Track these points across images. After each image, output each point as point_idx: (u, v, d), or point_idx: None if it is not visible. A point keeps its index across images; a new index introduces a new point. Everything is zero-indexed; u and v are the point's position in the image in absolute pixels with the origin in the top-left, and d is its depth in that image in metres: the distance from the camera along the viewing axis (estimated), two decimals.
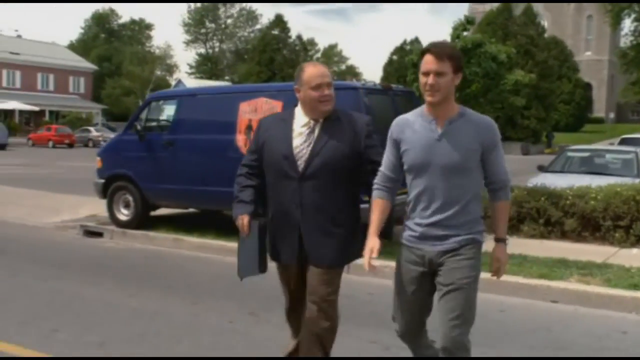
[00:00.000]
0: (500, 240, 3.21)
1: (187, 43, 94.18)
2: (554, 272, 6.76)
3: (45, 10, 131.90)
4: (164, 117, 10.20)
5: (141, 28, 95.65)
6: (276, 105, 7.91)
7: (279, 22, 58.76)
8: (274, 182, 3.51)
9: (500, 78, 8.83)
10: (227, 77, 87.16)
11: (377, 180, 3.31)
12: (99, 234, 9.60)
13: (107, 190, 9.50)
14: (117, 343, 4.82)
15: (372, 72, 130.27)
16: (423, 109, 3.17)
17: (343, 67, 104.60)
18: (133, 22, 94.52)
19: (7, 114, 55.49)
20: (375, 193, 3.31)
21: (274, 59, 56.23)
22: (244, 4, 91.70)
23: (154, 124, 9.74)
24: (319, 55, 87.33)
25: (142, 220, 9.32)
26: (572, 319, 5.73)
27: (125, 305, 5.87)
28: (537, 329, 5.44)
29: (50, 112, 60.34)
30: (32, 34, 66.94)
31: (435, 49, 3.04)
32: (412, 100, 8.73)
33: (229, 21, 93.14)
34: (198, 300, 6.04)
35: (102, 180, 9.57)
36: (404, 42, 63.48)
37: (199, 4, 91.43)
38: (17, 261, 7.79)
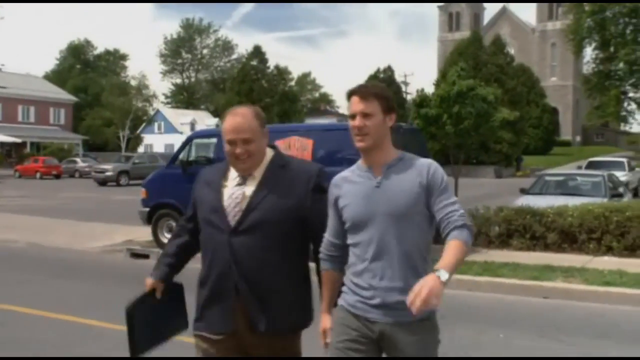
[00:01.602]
0: (435, 271, 2.41)
1: (164, 73, 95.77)
2: (543, 275, 8.38)
3: (17, 41, 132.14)
4: (204, 152, 11.61)
5: (116, 58, 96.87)
6: (307, 143, 9.47)
7: (258, 52, 60.55)
8: (205, 239, 2.95)
9: (490, 116, 10.50)
10: (202, 107, 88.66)
11: (322, 249, 2.88)
12: (145, 256, 10.97)
13: (152, 217, 10.92)
14: None
15: (345, 99, 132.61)
16: (359, 162, 2.82)
17: (317, 94, 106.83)
18: (108, 52, 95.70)
19: None
20: (322, 265, 2.89)
21: (253, 89, 57.83)
22: (219, 34, 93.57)
23: (195, 158, 11.18)
24: (292, 83, 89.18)
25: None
26: (560, 310, 7.30)
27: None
28: (535, 316, 7.01)
29: (32, 144, 61.02)
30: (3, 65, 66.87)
31: (361, 89, 2.74)
32: (418, 138, 10.40)
33: (205, 51, 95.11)
34: None
35: (147, 209, 10.99)
36: (378, 71, 65.70)
37: (174, 35, 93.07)
38: (94, 279, 9.17)
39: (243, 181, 2.91)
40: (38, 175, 44.19)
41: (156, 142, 71.74)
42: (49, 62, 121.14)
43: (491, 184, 33.88)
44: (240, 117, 2.86)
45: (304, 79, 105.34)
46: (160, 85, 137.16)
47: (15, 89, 63.18)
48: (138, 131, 69.68)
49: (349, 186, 2.76)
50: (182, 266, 3.12)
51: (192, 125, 73.29)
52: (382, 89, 2.80)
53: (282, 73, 65.77)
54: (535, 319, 6.88)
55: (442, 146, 11.69)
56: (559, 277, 8.29)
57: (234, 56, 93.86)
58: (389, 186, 2.69)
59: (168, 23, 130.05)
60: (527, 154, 55.12)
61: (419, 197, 2.66)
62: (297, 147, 9.53)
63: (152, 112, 73.15)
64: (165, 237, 10.90)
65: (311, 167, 2.98)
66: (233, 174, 2.95)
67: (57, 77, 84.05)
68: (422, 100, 10.77)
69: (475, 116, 10.28)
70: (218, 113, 73.44)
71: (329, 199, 2.84)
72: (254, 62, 60.37)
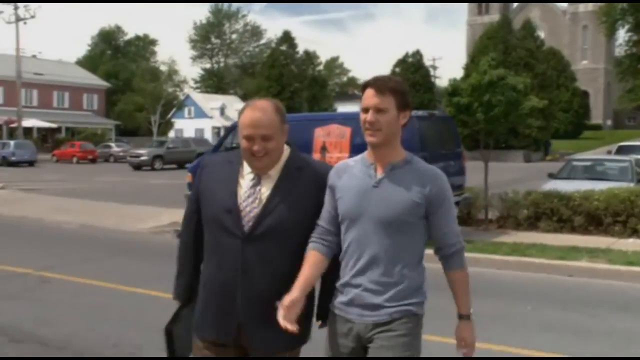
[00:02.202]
0: (463, 317, 2.68)
1: (194, 59, 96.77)
2: (569, 255, 8.90)
3: (48, 27, 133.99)
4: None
5: (145, 44, 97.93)
6: (345, 131, 10.06)
7: (287, 38, 61.04)
8: (212, 241, 2.76)
9: (519, 104, 10.97)
10: (231, 91, 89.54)
11: (314, 234, 2.72)
12: None
13: None
14: None
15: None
16: (366, 152, 2.71)
17: (345, 79, 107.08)
18: (138, 38, 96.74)
19: (26, 131, 57.64)
20: (309, 246, 2.70)
21: (283, 73, 58.40)
22: (248, 19, 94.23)
23: (239, 145, 11.80)
24: (320, 68, 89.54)
25: None
26: (584, 287, 7.83)
27: None
28: (560, 292, 7.56)
29: (67, 129, 62.46)
30: (35, 52, 68.28)
31: (377, 82, 2.60)
32: (450, 125, 10.94)
33: (234, 36, 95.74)
34: None
35: None
36: (406, 55, 65.76)
37: (203, 20, 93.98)
38: (147, 257, 9.91)
39: (258, 180, 2.70)
40: (74, 159, 45.36)
41: (186, 126, 72.80)
42: (81, 48, 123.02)
43: (520, 169, 34.11)
44: (260, 111, 2.65)
45: (332, 63, 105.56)
46: (190, 70, 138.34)
47: (50, 76, 64.56)
48: (169, 116, 70.81)
49: (348, 179, 2.65)
50: (199, 272, 2.87)
51: (222, 110, 74.28)
52: (399, 83, 2.64)
53: (311, 58, 66.25)
54: (561, 294, 7.43)
55: (471, 131, 12.16)
56: (584, 257, 8.80)
57: (263, 41, 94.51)
58: (387, 189, 2.58)
59: (197, 8, 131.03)
60: (557, 138, 55.03)
61: (416, 208, 2.56)
62: (336, 134, 10.13)
63: (182, 97, 74.21)
64: None
65: (326, 168, 2.81)
66: (247, 170, 2.73)
67: (88, 63, 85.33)
68: (454, 89, 11.25)
69: (505, 104, 10.74)
70: (247, 97, 74.29)
71: (328, 183, 2.71)
72: (284, 47, 60.87)
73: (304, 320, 2.67)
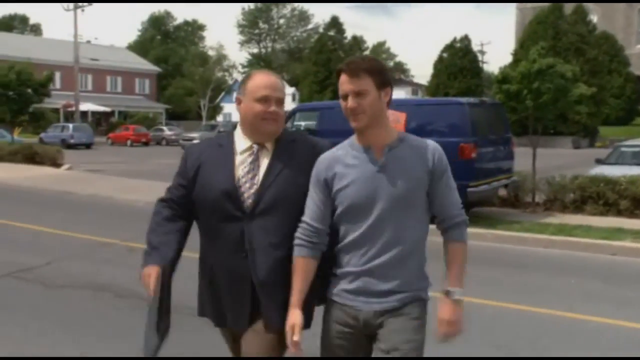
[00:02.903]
0: (448, 294, 2.55)
1: (242, 43, 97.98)
2: (613, 235, 9.38)
3: (99, 13, 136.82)
4: (305, 124, 12.94)
5: (194, 29, 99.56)
6: (400, 116, 10.65)
7: (335, 23, 61.52)
8: (211, 227, 2.68)
9: (568, 91, 11.41)
10: (279, 76, 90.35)
11: (300, 234, 2.61)
12: None
13: None
14: None
15: (421, 68, 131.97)
16: (352, 139, 2.63)
17: (391, 64, 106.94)
18: (187, 23, 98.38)
19: (82, 115, 59.57)
20: (296, 251, 2.61)
21: (330, 59, 58.91)
22: (295, 4, 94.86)
23: (298, 129, 12.53)
24: (368, 52, 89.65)
25: None
26: (627, 265, 8.33)
27: None
28: (603, 269, 8.09)
29: (119, 113, 64.29)
30: (90, 38, 70.32)
31: (350, 65, 2.53)
32: (500, 111, 11.46)
33: (282, 21, 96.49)
34: None
35: None
36: (454, 40, 65.47)
37: (252, 6, 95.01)
38: None
39: (256, 156, 2.68)
40: (129, 142, 46.81)
41: (234, 110, 73.86)
42: (131, 33, 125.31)
43: (569, 155, 34.07)
44: (274, 76, 2.71)
45: (379, 48, 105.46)
46: (237, 55, 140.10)
47: (104, 61, 66.41)
48: (217, 100, 72.15)
49: (344, 168, 2.56)
50: (178, 258, 2.75)
51: None
52: (373, 62, 2.56)
53: (358, 43, 66.59)
54: (604, 271, 7.95)
55: (520, 117, 12.64)
56: (628, 238, 9.26)
57: (310, 26, 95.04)
58: (392, 170, 2.52)
59: None
60: (608, 124, 54.28)
61: (422, 182, 2.53)
62: (392, 119, 10.69)
63: (230, 82, 75.44)
64: None
65: (320, 143, 2.79)
66: (241, 147, 2.70)
67: (139, 48, 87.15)
68: (504, 77, 11.73)
69: (554, 91, 11.19)
70: (295, 82, 75.07)
71: (314, 178, 2.61)
72: (331, 33, 61.35)
73: (305, 307, 2.60)
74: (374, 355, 2.57)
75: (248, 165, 2.67)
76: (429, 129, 10.44)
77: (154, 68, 74.69)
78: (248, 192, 2.63)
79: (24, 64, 24.08)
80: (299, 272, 2.59)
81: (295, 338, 2.50)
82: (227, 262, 2.65)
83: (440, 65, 57.85)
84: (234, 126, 2.82)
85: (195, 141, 38.15)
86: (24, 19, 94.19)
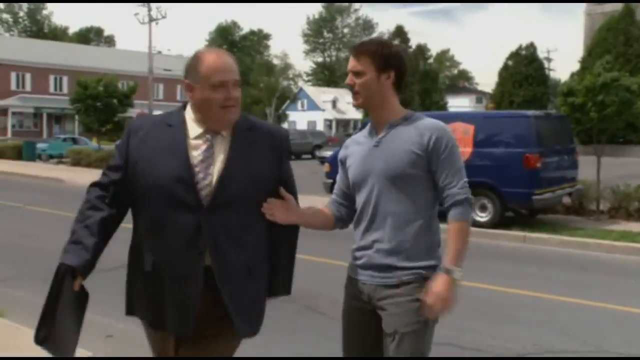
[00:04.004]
0: (441, 269, 2.51)
1: (306, 52, 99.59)
2: None
3: (169, 24, 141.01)
4: None
5: (260, 38, 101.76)
6: (469, 128, 11.38)
7: (399, 32, 62.08)
8: (156, 217, 2.37)
9: (632, 103, 11.89)
10: (343, 85, 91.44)
11: (327, 204, 2.85)
12: None
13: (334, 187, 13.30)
14: None
15: (485, 76, 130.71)
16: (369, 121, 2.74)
17: (455, 71, 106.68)
18: (252, 32, 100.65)
19: None
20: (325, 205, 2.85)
21: None
22: (360, 14, 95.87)
23: None
24: (431, 61, 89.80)
25: None
26: None
27: None
28: None
29: None
30: (163, 49, 73.20)
31: (355, 46, 2.66)
32: (565, 123, 12.04)
33: (346, 30, 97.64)
34: None
35: (331, 181, 13.40)
36: (519, 48, 65.02)
37: (316, 15, 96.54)
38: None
39: (211, 144, 2.42)
40: None
41: (299, 119, 75.35)
42: (199, 43, 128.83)
43: (637, 164, 33.70)
44: (227, 56, 2.42)
45: (443, 55, 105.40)
46: (302, 63, 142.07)
47: (175, 71, 68.84)
48: (282, 108, 73.71)
49: (355, 147, 2.74)
50: (101, 252, 2.42)
51: (334, 102, 76.36)
52: (377, 45, 2.63)
53: (422, 51, 66.94)
54: None
55: (585, 128, 13.12)
56: None
57: (374, 35, 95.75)
58: (386, 146, 2.60)
59: (310, 3, 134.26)
60: None
61: (416, 159, 2.54)
62: (461, 131, 11.47)
63: (295, 91, 76.88)
64: None
65: (279, 131, 2.61)
66: (193, 134, 2.43)
67: None
68: (569, 90, 12.29)
69: (619, 104, 11.69)
70: None
71: (339, 159, 2.80)
72: (396, 42, 61.97)
73: (262, 304, 2.55)
74: (384, 336, 2.58)
75: (202, 153, 2.39)
76: (496, 140, 11.18)
77: None
78: (202, 182, 2.35)
79: (111, 76, 25.80)
80: (318, 209, 2.81)
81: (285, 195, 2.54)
82: (177, 259, 2.34)
83: (505, 73, 57.59)
84: (184, 105, 2.53)
85: None
86: (99, 31, 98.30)
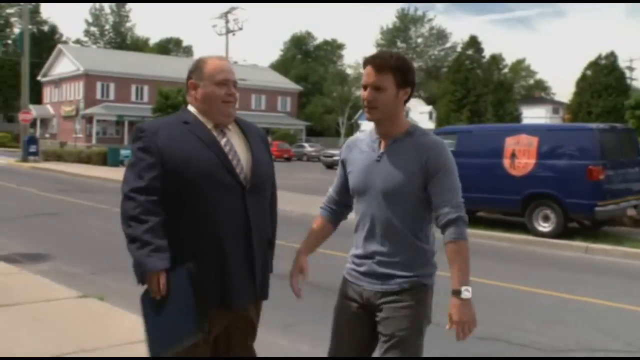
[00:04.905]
0: (455, 293, 2.56)
1: None
2: None
3: (246, 36, 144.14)
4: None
5: (333, 48, 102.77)
6: (533, 140, 11.66)
7: (473, 42, 61.73)
8: (206, 200, 2.58)
9: None
10: (416, 94, 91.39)
11: (324, 201, 2.97)
12: None
13: None
14: None
15: (562, 86, 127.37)
16: (373, 127, 2.78)
17: (531, 81, 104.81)
18: (326, 42, 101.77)
19: None
20: (319, 212, 2.96)
21: (468, 78, 59.17)
22: (434, 23, 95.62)
23: None
24: (506, 70, 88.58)
25: None
26: None
27: None
28: None
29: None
30: (234, 59, 74.95)
31: (377, 59, 2.63)
32: (631, 136, 12.14)
33: (419, 40, 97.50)
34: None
35: None
36: (599, 57, 63.47)
37: (390, 25, 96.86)
38: None
39: (225, 134, 2.73)
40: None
41: (371, 128, 75.71)
42: (274, 53, 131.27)
43: None
44: (226, 61, 2.80)
45: (518, 65, 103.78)
46: None
47: (250, 81, 70.58)
48: (355, 118, 74.37)
49: (357, 153, 2.78)
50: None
51: (407, 112, 75.81)
52: (400, 61, 2.65)
53: (496, 61, 66.29)
54: None
55: None
56: None
57: (448, 44, 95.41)
58: (387, 162, 2.65)
59: (384, 13, 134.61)
60: None
61: (414, 178, 2.59)
62: (525, 143, 11.78)
63: None
64: None
65: (259, 128, 2.98)
66: (209, 127, 2.73)
67: (281, 66, 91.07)
68: (637, 103, 12.39)
69: None
70: (432, 101, 75.77)
71: (340, 156, 2.90)
72: (470, 52, 61.63)
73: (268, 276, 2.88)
74: (380, 338, 2.69)
75: (226, 144, 2.70)
76: (560, 152, 11.44)
77: (295, 86, 78.09)
78: (237, 167, 2.68)
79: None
80: (314, 226, 2.92)
81: (304, 278, 2.82)
82: (227, 238, 2.61)
83: (583, 83, 56.29)
84: (186, 107, 2.83)
85: (335, 157, 40.30)
86: (177, 42, 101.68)
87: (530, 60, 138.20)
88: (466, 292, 2.55)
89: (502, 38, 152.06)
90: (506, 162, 12.02)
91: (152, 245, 2.48)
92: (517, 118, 57.40)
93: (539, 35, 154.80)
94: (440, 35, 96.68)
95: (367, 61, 2.66)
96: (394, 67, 2.62)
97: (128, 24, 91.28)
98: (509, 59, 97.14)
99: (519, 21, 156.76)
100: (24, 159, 32.34)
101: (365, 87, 2.66)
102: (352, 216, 2.90)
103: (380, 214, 2.66)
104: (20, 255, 8.89)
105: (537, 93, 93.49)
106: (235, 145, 2.72)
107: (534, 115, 69.50)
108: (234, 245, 2.64)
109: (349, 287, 2.80)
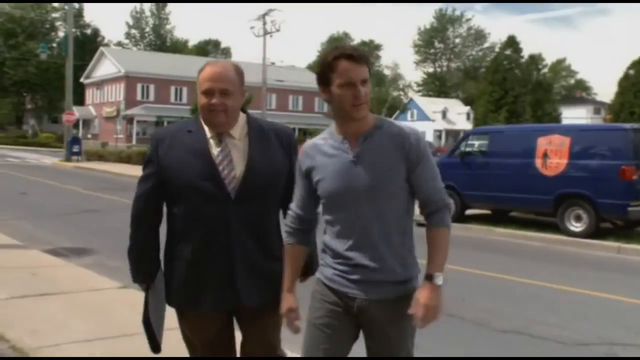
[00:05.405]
0: (428, 278, 2.48)
1: (417, 63, 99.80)
2: None
3: (284, 37, 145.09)
4: (478, 146, 14.28)
5: (371, 49, 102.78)
6: (565, 140, 11.72)
7: (512, 42, 61.22)
8: (189, 211, 2.71)
9: None
10: (453, 95, 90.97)
11: (288, 222, 2.73)
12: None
13: None
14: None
15: (603, 86, 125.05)
16: (332, 128, 2.60)
17: (572, 81, 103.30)
18: (364, 43, 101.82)
19: None
20: (286, 239, 2.72)
21: (506, 78, 58.71)
22: (472, 23, 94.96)
23: (471, 150, 13.91)
24: (545, 70, 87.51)
25: (460, 217, 13.49)
26: None
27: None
28: None
29: (299, 130, 68.41)
30: (272, 60, 75.55)
31: (357, 52, 2.46)
32: None
33: (457, 40, 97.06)
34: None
35: None
36: None
37: (428, 26, 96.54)
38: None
39: (225, 143, 2.72)
40: None
41: (328, 130, 75.41)
42: (311, 54, 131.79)
43: None
44: (220, 67, 2.71)
45: (558, 65, 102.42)
46: (413, 74, 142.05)
47: (287, 82, 71.12)
48: (392, 118, 74.26)
49: (323, 158, 2.55)
50: (158, 253, 2.88)
51: (444, 113, 76.10)
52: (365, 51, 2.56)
53: (535, 61, 65.60)
54: None
55: None
56: None
57: (486, 45, 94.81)
58: (366, 160, 2.47)
59: (422, 13, 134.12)
60: None
61: (398, 172, 2.48)
62: (557, 143, 11.84)
63: (405, 101, 77.29)
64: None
65: (285, 129, 2.89)
66: (209, 136, 2.75)
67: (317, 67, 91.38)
68: None
69: None
70: (470, 101, 75.35)
71: (298, 167, 2.65)
72: (508, 52, 61.13)
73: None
74: (370, 348, 2.63)
75: (220, 152, 2.70)
76: (592, 152, 11.47)
77: None
78: (228, 177, 2.67)
79: None
80: (289, 259, 2.70)
81: (298, 323, 2.64)
82: (207, 246, 2.69)
83: (626, 83, 55.20)
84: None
85: None
86: (216, 44, 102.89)
87: (570, 60, 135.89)
88: (439, 279, 2.47)
89: (542, 38, 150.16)
90: (538, 162, 12.09)
91: (133, 266, 2.87)
92: (557, 119, 56.69)
93: (580, 35, 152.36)
94: (479, 36, 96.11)
95: (345, 55, 2.45)
96: (367, 58, 2.51)
97: (168, 27, 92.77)
98: (549, 59, 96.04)
99: (560, 20, 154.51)
100: (67, 159, 33.26)
101: (351, 84, 2.43)
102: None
103: (368, 216, 2.49)
104: (66, 249, 9.36)
105: (578, 93, 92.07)
106: (235, 153, 2.72)
107: (574, 115, 68.50)
108: (212, 252, 2.69)
109: (332, 293, 2.60)
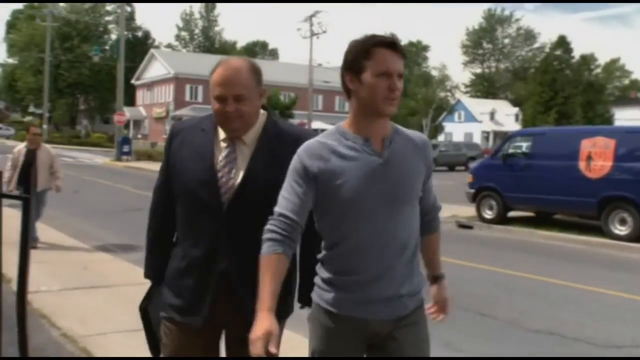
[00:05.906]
0: (442, 277, 2.57)
1: (465, 64, 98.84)
2: None
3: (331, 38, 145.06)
4: (521, 147, 14.22)
5: (418, 50, 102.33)
6: (610, 143, 11.60)
7: (562, 42, 60.26)
8: (185, 216, 2.57)
9: None
10: (502, 96, 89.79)
11: (275, 227, 2.22)
12: (469, 227, 14.00)
13: (477, 197, 13.91)
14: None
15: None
16: (342, 127, 2.32)
17: (626, 81, 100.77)
18: (411, 44, 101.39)
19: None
20: (269, 246, 2.20)
21: (556, 79, 57.82)
22: (521, 23, 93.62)
23: (514, 152, 13.87)
24: (598, 70, 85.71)
25: (502, 219, 13.52)
26: None
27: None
28: None
29: None
30: (319, 61, 75.95)
31: (399, 43, 2.23)
32: None
33: (506, 41, 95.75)
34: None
35: (473, 190, 14.02)
36: None
37: (476, 26, 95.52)
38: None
39: (233, 148, 2.51)
40: None
41: (455, 130, 74.91)
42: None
43: None
44: (233, 70, 2.46)
45: (612, 65, 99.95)
46: (460, 75, 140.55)
47: (333, 83, 71.32)
48: (439, 120, 73.79)
49: (340, 161, 2.24)
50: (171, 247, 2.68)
51: (492, 114, 75.16)
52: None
53: (587, 62, 64.39)
54: None
55: None
56: None
57: (536, 45, 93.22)
58: (395, 164, 2.28)
59: (470, 14, 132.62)
60: None
61: (420, 178, 2.36)
62: (601, 145, 11.72)
63: (453, 102, 76.62)
64: (487, 213, 13.79)
65: (308, 137, 2.45)
66: (221, 137, 2.54)
67: None
68: None
69: None
70: (518, 102, 74.30)
71: (301, 169, 2.26)
72: (558, 52, 60.17)
73: (286, 297, 2.51)
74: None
75: (225, 158, 2.49)
76: (638, 154, 11.31)
77: None
78: (225, 186, 2.46)
79: (274, 90, 27.82)
80: (271, 272, 2.16)
81: (274, 350, 2.00)
82: (199, 256, 2.49)
83: None
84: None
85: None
86: (264, 45, 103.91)
87: (625, 60, 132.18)
88: (445, 276, 2.62)
89: (594, 37, 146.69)
90: (582, 164, 12.00)
91: (146, 258, 2.77)
92: (609, 120, 55.53)
93: (636, 33, 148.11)
94: (528, 36, 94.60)
95: (387, 42, 2.20)
96: (406, 53, 2.30)
97: (216, 28, 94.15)
98: (602, 59, 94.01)
99: (615, 18, 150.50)
100: (118, 158, 34.19)
101: (388, 74, 2.20)
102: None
103: (393, 224, 2.26)
104: (114, 245, 9.76)
105: (633, 94, 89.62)
106: (240, 161, 2.48)
107: (628, 117, 66.77)
108: (203, 261, 2.49)
109: (341, 323, 2.29)
